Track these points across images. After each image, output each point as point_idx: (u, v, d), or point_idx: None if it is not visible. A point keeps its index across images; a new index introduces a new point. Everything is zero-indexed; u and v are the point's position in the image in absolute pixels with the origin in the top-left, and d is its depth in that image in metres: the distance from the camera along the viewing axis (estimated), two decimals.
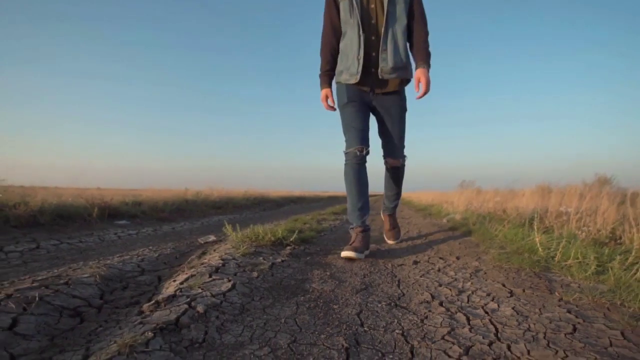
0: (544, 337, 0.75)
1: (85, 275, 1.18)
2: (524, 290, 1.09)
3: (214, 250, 1.76)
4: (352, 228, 1.69)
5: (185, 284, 1.08)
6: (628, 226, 1.77)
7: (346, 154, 1.67)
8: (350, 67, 1.64)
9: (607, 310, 0.90)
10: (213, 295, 0.97)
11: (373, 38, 1.60)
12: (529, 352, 0.69)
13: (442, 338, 0.77)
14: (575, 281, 1.18)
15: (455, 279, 1.25)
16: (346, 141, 1.69)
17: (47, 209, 2.73)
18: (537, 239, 1.58)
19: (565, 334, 0.76)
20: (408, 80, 1.71)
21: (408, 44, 1.69)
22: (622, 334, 0.75)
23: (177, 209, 4.19)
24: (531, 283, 1.17)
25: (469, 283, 1.19)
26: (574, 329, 0.78)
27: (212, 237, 2.31)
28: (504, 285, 1.15)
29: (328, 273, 1.34)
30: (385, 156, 1.85)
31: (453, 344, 0.73)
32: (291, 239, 1.89)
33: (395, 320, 0.87)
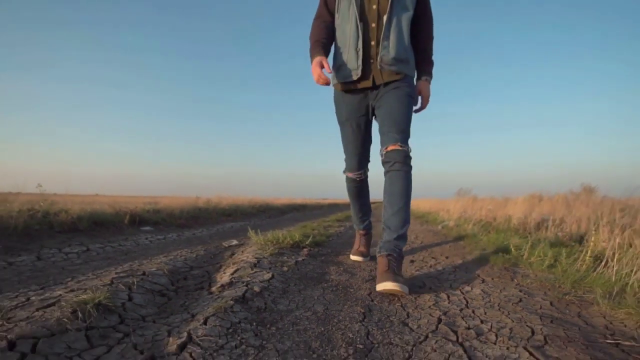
0: (498, 305, 1.09)
1: (154, 269, 1.52)
2: (492, 279, 1.43)
3: (242, 252, 2.09)
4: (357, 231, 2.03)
5: (236, 275, 1.41)
6: (594, 232, 2.13)
7: (346, 175, 1.83)
8: (349, 61, 1.48)
9: (548, 290, 1.24)
10: (261, 282, 1.31)
11: (373, 25, 1.45)
12: (485, 313, 1.03)
13: (429, 307, 1.11)
14: (534, 273, 1.52)
15: (443, 272, 1.59)
16: (345, 162, 1.76)
17: (84, 216, 3.06)
18: (511, 242, 1.93)
19: (512, 303, 1.10)
20: (411, 77, 1.53)
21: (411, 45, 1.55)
22: (551, 303, 1.10)
23: (192, 217, 4.52)
24: (500, 274, 1.52)
25: (453, 275, 1.54)
26: (520, 300, 1.13)
27: (234, 241, 2.65)
28: (478, 276, 1.50)
29: (342, 268, 1.68)
30: (383, 146, 1.47)
31: (436, 309, 1.08)
32: (307, 243, 2.23)
33: (396, 298, 1.21)
